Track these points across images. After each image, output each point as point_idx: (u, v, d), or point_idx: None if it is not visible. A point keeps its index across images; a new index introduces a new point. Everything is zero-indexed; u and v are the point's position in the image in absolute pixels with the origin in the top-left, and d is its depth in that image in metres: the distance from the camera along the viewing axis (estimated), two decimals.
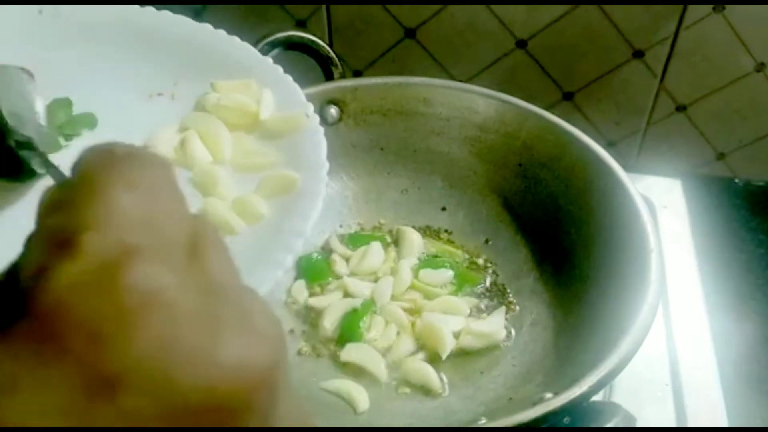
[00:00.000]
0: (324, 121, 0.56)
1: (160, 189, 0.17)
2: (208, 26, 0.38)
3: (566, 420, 0.39)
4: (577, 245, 0.51)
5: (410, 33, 0.69)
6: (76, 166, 0.17)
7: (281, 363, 0.16)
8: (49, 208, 0.16)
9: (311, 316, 0.52)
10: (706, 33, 0.65)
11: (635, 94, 0.70)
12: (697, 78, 0.68)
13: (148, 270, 0.14)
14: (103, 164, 0.16)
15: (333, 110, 0.56)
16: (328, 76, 0.57)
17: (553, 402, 0.37)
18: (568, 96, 0.71)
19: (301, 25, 0.70)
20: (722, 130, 0.71)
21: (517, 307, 0.52)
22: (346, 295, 0.52)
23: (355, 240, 0.57)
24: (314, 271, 0.54)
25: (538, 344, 0.48)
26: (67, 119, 0.35)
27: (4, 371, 0.14)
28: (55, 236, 0.15)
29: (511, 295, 0.53)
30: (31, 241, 0.16)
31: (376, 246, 0.55)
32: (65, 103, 0.35)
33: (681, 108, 0.70)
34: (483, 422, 0.41)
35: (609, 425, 0.36)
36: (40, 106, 0.34)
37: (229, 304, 0.16)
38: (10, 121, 0.31)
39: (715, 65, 0.67)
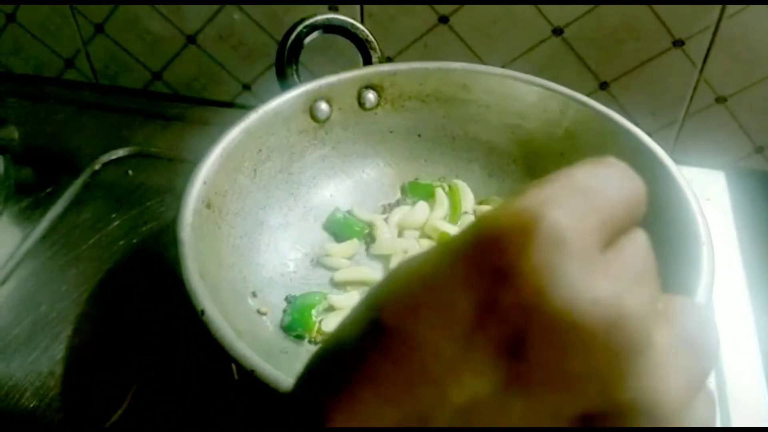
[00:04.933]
0: (361, 106, 0.56)
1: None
2: None
3: None
4: None
5: (444, 19, 0.68)
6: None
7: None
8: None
9: None
10: (750, 22, 0.63)
11: (674, 84, 0.69)
12: (738, 68, 0.66)
13: (565, 216, 0.17)
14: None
15: (371, 95, 0.55)
16: (366, 60, 0.56)
17: None
18: (603, 85, 0.70)
19: (333, 9, 0.69)
20: (763, 123, 0.70)
21: None
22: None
23: (415, 189, 0.59)
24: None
25: None
26: None
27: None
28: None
29: None
30: None
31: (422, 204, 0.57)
32: None
33: (721, 99, 0.68)
34: None
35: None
36: None
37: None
38: None
39: (758, 56, 0.65)
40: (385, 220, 0.56)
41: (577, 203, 0.17)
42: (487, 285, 0.16)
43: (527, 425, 0.16)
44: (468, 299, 0.17)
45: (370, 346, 0.17)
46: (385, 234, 0.55)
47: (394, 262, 0.53)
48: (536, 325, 0.16)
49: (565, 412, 0.16)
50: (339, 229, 0.56)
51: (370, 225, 0.56)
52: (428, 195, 0.58)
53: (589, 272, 0.16)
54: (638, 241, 0.19)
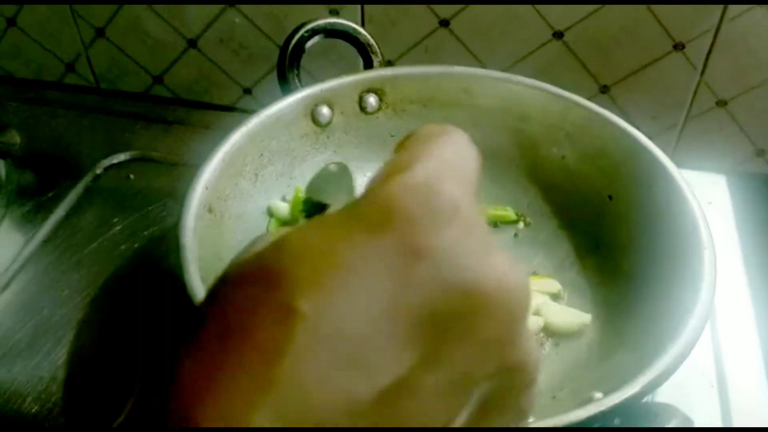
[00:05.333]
0: (363, 110, 0.56)
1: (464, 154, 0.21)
2: None
3: (617, 421, 0.38)
4: (623, 240, 0.50)
5: (444, 23, 0.68)
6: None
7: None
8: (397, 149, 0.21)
9: None
10: (751, 25, 0.63)
11: (674, 87, 0.69)
12: (739, 72, 0.66)
13: (456, 190, 0.19)
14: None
15: (372, 99, 0.56)
16: (367, 64, 0.56)
17: (605, 402, 0.36)
18: (604, 89, 0.70)
19: (334, 13, 0.69)
20: (764, 126, 0.70)
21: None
22: None
23: None
24: None
25: (582, 341, 0.47)
26: None
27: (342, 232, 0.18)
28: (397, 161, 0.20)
29: None
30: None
31: None
32: None
33: (722, 102, 0.68)
34: (531, 421, 0.39)
35: (667, 427, 0.35)
36: None
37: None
38: None
39: (758, 59, 0.65)
40: None
41: (456, 176, 0.19)
42: (404, 263, 0.17)
43: (437, 399, 0.17)
44: (386, 277, 0.17)
45: (288, 337, 0.16)
46: None
47: None
48: (452, 297, 0.17)
49: (472, 379, 0.18)
50: None
51: None
52: None
53: (488, 246, 0.19)
54: None
